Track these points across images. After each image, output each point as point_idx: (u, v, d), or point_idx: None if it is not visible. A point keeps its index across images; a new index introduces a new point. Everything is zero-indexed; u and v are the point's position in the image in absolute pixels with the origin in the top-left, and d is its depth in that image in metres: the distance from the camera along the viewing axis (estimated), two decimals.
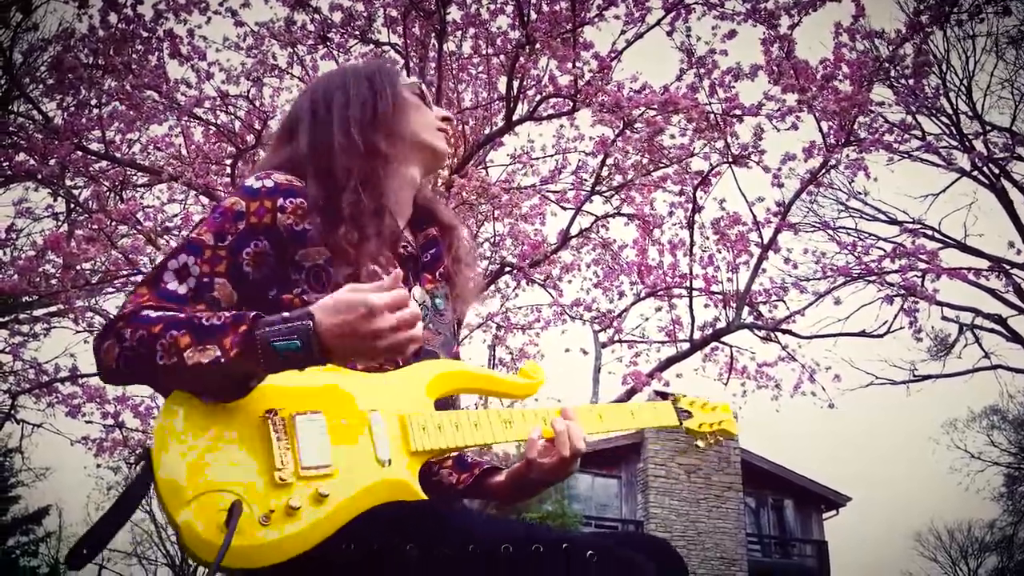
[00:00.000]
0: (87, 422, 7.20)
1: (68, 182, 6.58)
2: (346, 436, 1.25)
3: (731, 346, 7.29)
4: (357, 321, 1.17)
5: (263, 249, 1.34)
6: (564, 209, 7.11)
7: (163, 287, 1.28)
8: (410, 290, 1.49)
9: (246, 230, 1.34)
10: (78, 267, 5.99)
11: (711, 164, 6.46)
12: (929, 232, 15.09)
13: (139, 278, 6.51)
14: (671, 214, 6.94)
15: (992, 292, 14.68)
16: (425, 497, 1.28)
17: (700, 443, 1.80)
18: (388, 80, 1.56)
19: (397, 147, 1.52)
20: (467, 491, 1.56)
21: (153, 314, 1.21)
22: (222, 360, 1.14)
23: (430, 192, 1.71)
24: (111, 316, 1.29)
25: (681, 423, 1.77)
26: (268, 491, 1.14)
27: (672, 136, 6.45)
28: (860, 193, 15.57)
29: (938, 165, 13.90)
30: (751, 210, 6.66)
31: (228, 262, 1.32)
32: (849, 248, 7.95)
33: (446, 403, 1.47)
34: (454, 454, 1.58)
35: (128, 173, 6.59)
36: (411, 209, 1.59)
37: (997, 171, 14.89)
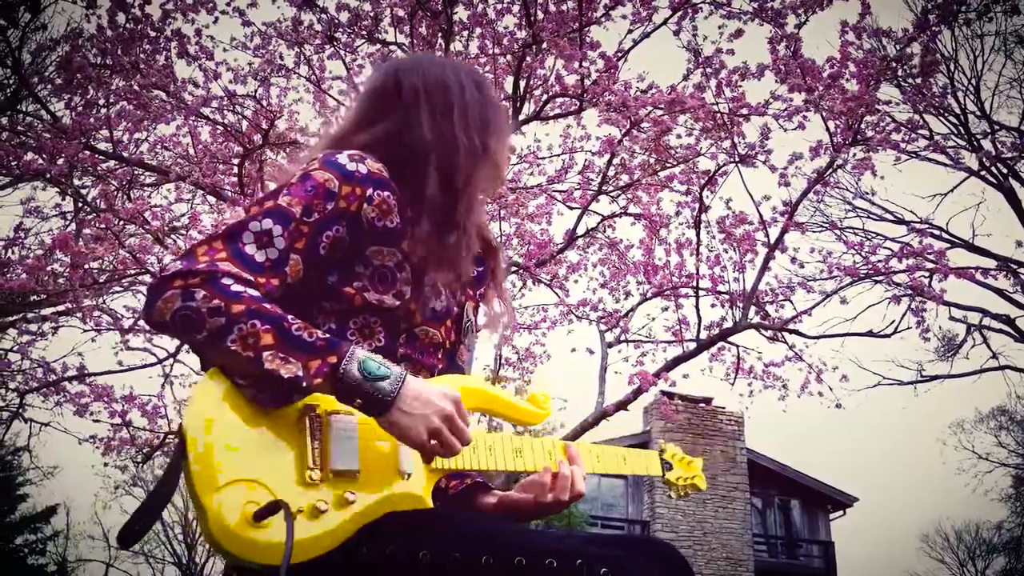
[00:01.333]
0: (95, 421, 7.20)
1: (76, 181, 6.60)
2: (374, 443, 1.27)
3: (738, 346, 7.29)
4: (434, 412, 1.19)
5: (341, 235, 1.29)
6: (571, 209, 7.11)
7: (240, 248, 1.21)
8: (464, 304, 1.50)
9: (333, 212, 1.28)
10: (86, 266, 6.01)
11: (718, 163, 6.45)
12: (936, 232, 15.06)
13: (147, 277, 6.53)
14: (678, 214, 6.94)
15: (1000, 292, 14.66)
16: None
17: (673, 494, 1.86)
18: (492, 93, 1.52)
19: (497, 161, 1.49)
20: (455, 498, 1.56)
21: (234, 287, 1.16)
22: (303, 384, 1.14)
23: None
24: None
25: (663, 474, 1.81)
26: (297, 489, 1.15)
27: (679, 136, 6.46)
28: (867, 193, 15.54)
29: (946, 165, 13.85)
30: (758, 209, 6.65)
31: (307, 240, 1.26)
32: (856, 248, 7.93)
33: None
34: None
35: (136, 172, 6.61)
36: None
37: (1005, 171, 14.85)
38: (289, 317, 1.17)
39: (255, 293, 1.18)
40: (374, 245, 1.32)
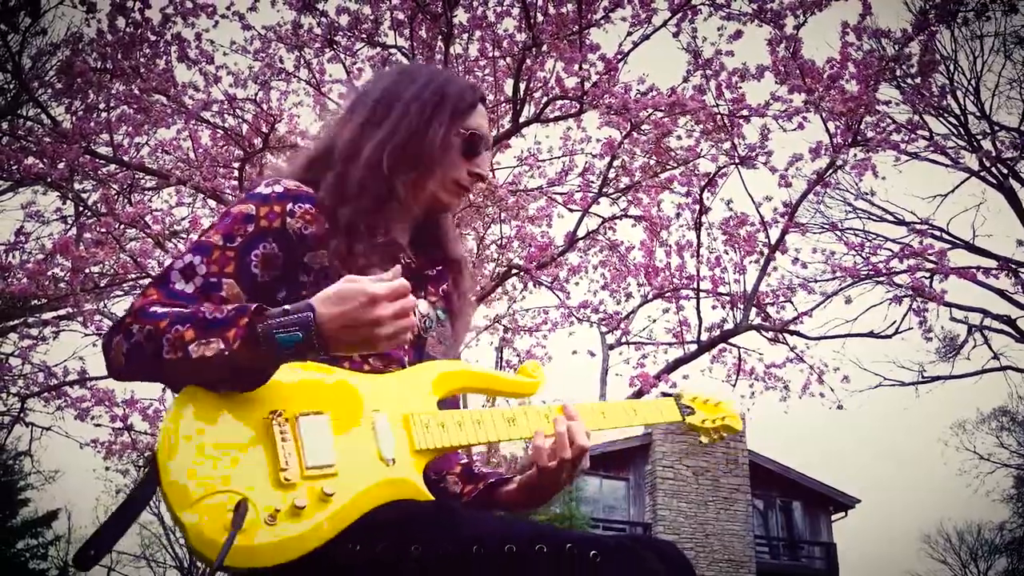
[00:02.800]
0: (96, 425, 7.22)
1: (77, 185, 6.61)
2: (350, 435, 1.25)
3: (739, 347, 7.28)
4: (357, 310, 1.17)
5: (272, 251, 1.35)
6: (571, 211, 7.11)
7: (171, 287, 1.30)
8: (420, 299, 1.50)
9: (255, 232, 1.35)
10: (87, 270, 6.01)
11: (718, 165, 6.45)
12: (937, 232, 15.06)
13: (148, 281, 6.53)
14: (678, 215, 6.93)
15: (1001, 293, 14.66)
16: (430, 496, 1.28)
17: (704, 439, 1.79)
18: (454, 112, 1.49)
19: (413, 189, 1.47)
20: (473, 503, 1.54)
21: (160, 310, 1.23)
22: (226, 352, 1.15)
23: (445, 221, 1.63)
24: (119, 318, 1.29)
25: (684, 419, 1.74)
26: (273, 491, 1.14)
27: (679, 137, 6.46)
28: (867, 193, 15.53)
29: (946, 165, 13.85)
30: (758, 211, 6.65)
31: (236, 263, 1.33)
32: (857, 248, 7.93)
33: (451, 403, 1.48)
34: (463, 462, 1.60)
35: (136, 176, 6.62)
36: (409, 235, 1.54)
37: (1005, 171, 14.85)
38: (203, 308, 1.21)
39: (177, 309, 1.23)
40: (310, 251, 1.37)
